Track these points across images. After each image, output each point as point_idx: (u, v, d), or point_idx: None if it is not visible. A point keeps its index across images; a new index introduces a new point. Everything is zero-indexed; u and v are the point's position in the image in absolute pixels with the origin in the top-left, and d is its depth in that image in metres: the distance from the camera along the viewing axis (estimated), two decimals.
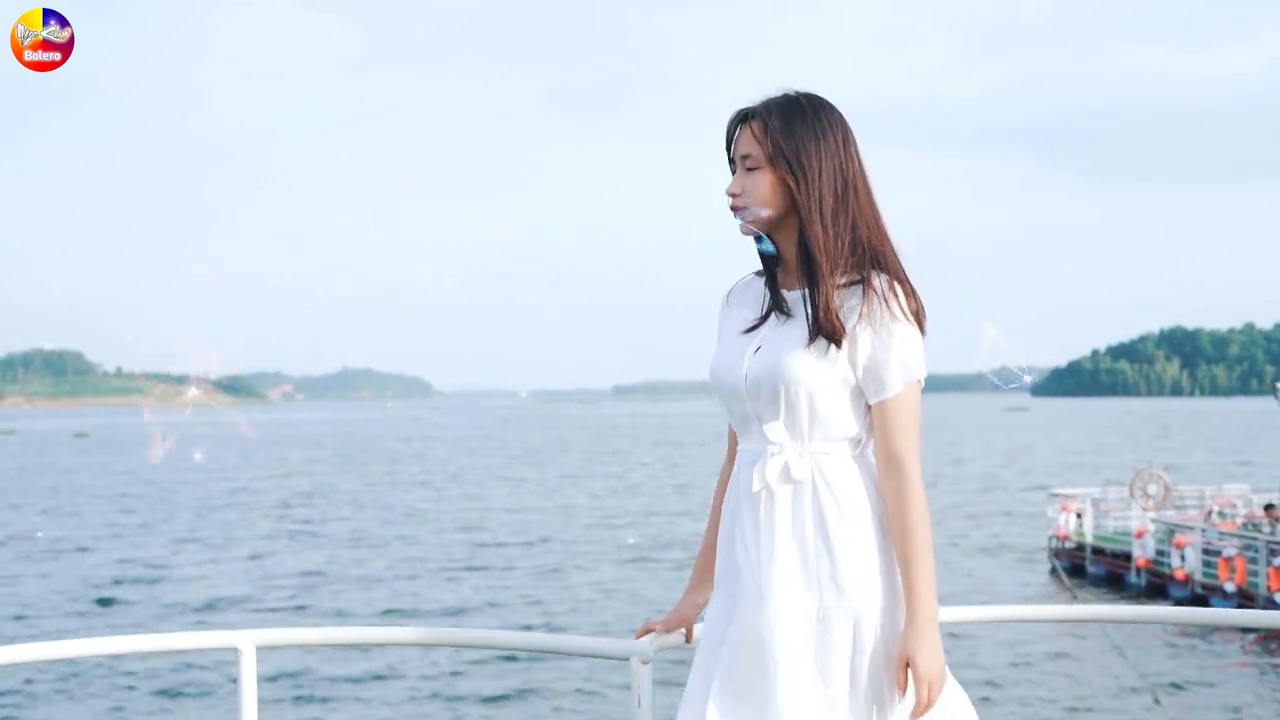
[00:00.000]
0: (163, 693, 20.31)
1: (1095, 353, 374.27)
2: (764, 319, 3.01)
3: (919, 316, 2.92)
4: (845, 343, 2.87)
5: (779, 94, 2.99)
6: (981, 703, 18.91)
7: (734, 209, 2.99)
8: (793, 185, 2.92)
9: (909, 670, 2.82)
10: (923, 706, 2.81)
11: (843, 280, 2.90)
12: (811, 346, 2.88)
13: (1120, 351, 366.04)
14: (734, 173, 3.02)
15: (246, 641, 3.44)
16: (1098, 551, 32.03)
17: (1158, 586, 29.01)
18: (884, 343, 2.87)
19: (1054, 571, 32.15)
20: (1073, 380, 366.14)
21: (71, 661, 21.05)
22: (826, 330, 2.87)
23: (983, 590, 29.33)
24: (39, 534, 42.66)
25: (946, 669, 2.86)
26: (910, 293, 2.91)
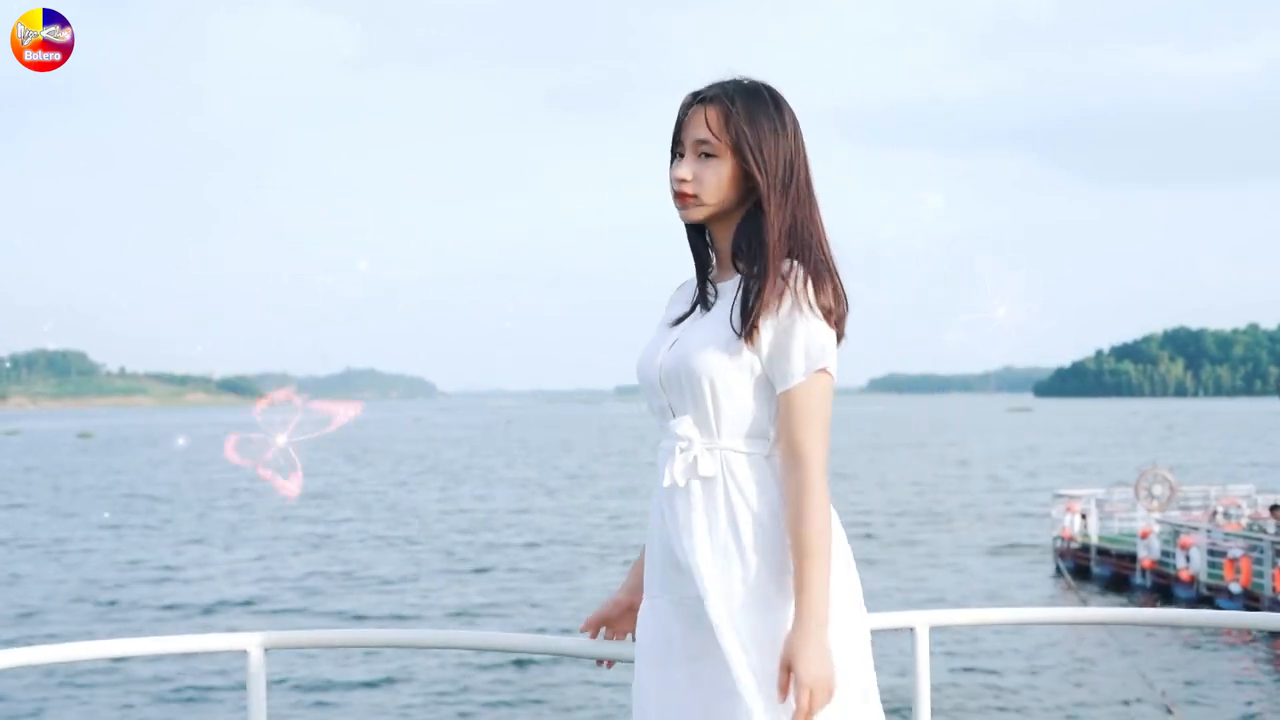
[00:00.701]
0: (172, 695, 20.31)
1: (1099, 353, 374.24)
2: (689, 312, 2.98)
3: (829, 313, 2.83)
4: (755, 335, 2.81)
5: (734, 80, 2.93)
6: (987, 709, 18.93)
7: (681, 195, 2.92)
8: (756, 177, 2.87)
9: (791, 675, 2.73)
10: (803, 715, 2.69)
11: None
12: (725, 340, 2.83)
13: (1124, 352, 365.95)
14: (680, 156, 2.94)
15: (255, 643, 3.43)
16: (1103, 552, 32.00)
17: (1163, 587, 28.98)
18: (786, 331, 2.79)
19: (1059, 572, 32.15)
20: (1076, 381, 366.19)
21: (76, 664, 21.05)
22: (752, 324, 2.81)
23: (987, 592, 29.31)
24: (44, 534, 42.70)
25: (848, 680, 2.78)
26: (824, 288, 2.82)
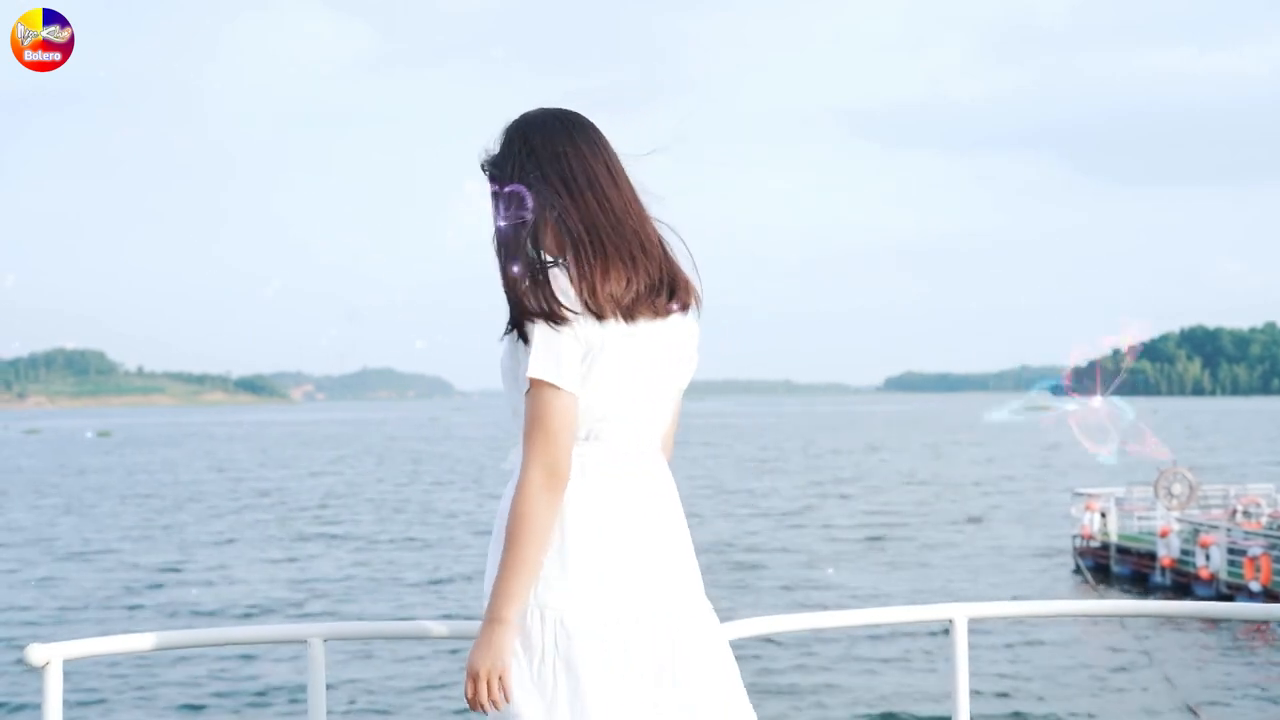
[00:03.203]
0: (230, 689, 20.46)
1: (1116, 352, 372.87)
2: None
3: (552, 315, 2.89)
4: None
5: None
6: (1020, 699, 19.00)
7: None
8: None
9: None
10: (467, 697, 2.86)
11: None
12: (510, 350, 2.98)
13: (1141, 351, 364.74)
14: None
15: (316, 634, 3.52)
16: (1123, 551, 32.00)
17: (1183, 586, 28.98)
18: (512, 338, 2.96)
19: (1078, 570, 32.17)
20: (1093, 380, 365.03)
21: (136, 657, 21.29)
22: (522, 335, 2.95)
23: (1008, 589, 29.33)
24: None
25: (507, 676, 2.85)
26: (545, 287, 2.90)
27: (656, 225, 3.07)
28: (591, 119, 3.10)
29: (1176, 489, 31.42)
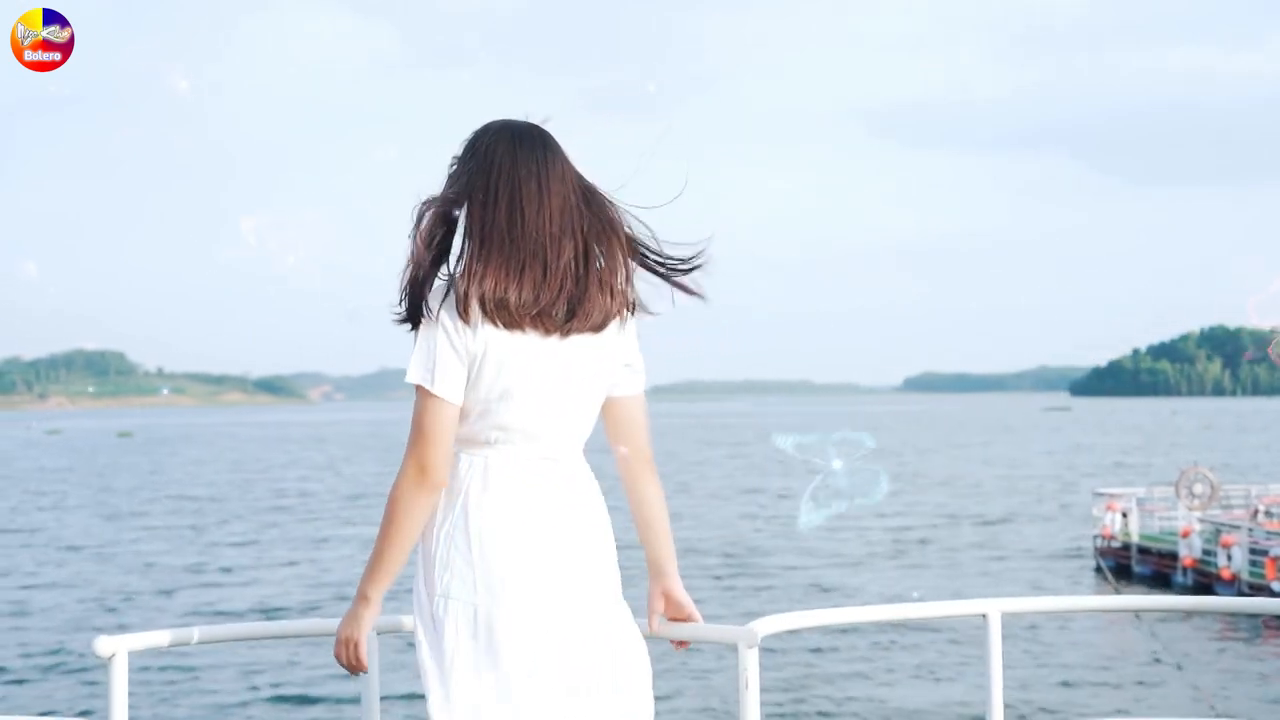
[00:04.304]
0: (288, 683, 20.59)
1: (1136, 352, 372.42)
2: None
3: (421, 312, 3.06)
4: None
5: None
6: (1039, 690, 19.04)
7: None
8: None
9: None
10: (336, 657, 3.19)
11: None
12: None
13: (1161, 351, 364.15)
14: None
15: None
16: (1144, 551, 32.01)
17: (1204, 586, 28.96)
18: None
19: (1099, 570, 32.16)
20: (1113, 380, 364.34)
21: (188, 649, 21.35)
22: None
23: (1030, 589, 29.32)
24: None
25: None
26: (421, 287, 3.06)
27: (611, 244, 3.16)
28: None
29: (1198, 489, 31.43)
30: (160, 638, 3.57)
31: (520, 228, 3.05)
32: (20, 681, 21.29)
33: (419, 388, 3.03)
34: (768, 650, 22.32)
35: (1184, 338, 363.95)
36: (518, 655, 3.05)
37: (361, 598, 3.12)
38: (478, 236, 3.05)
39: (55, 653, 23.32)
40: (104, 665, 3.46)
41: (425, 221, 3.09)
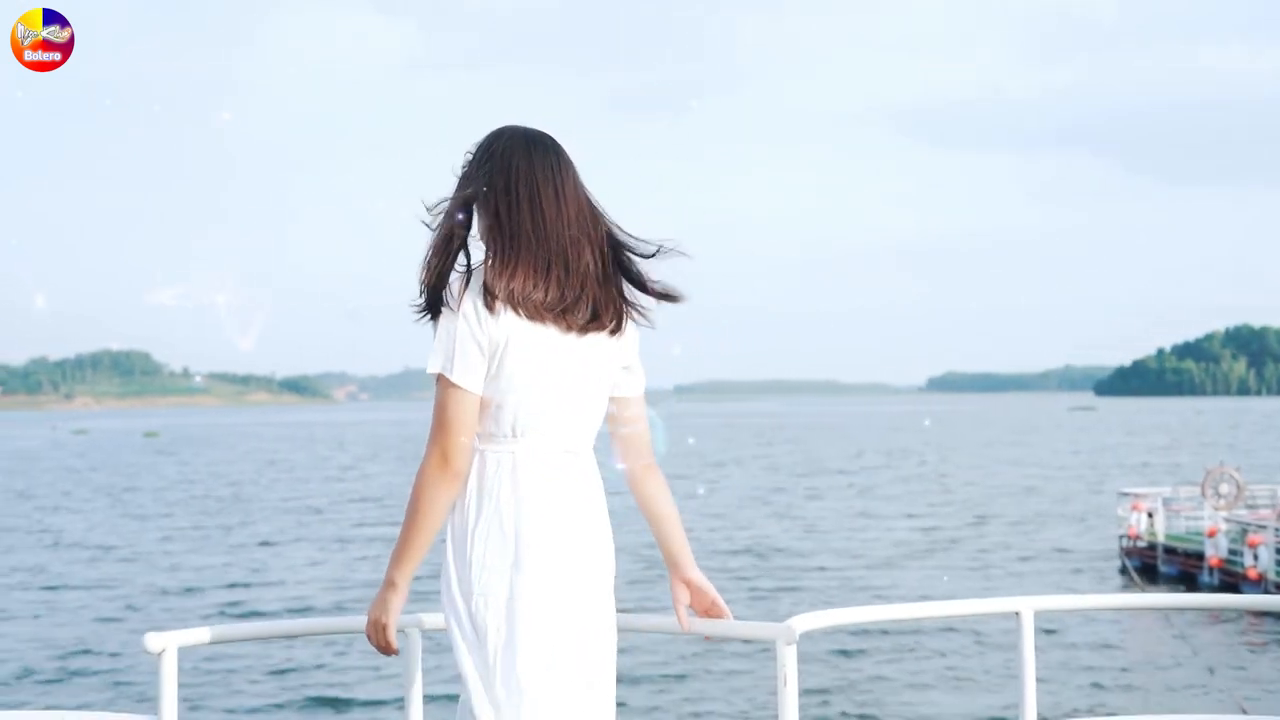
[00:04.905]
0: (328, 676, 20.70)
1: (1160, 352, 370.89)
2: None
3: (445, 302, 3.17)
4: None
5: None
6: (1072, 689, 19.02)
7: None
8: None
9: None
10: (368, 637, 3.29)
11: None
12: None
13: (1186, 350, 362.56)
14: None
15: (413, 625, 3.69)
16: (1170, 551, 31.92)
17: (1231, 586, 28.86)
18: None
19: (1124, 570, 32.07)
20: (1138, 380, 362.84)
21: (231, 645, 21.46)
22: None
23: (1055, 589, 29.29)
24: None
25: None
26: (443, 279, 3.18)
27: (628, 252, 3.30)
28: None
29: (1224, 489, 31.35)
30: (206, 634, 3.65)
31: (543, 229, 3.18)
32: (56, 681, 21.40)
33: (440, 378, 3.13)
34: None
35: (1209, 337, 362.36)
36: (555, 650, 3.13)
37: (389, 584, 3.21)
38: (504, 235, 3.17)
39: (81, 653, 23.38)
40: (153, 660, 3.56)
41: (445, 219, 3.21)
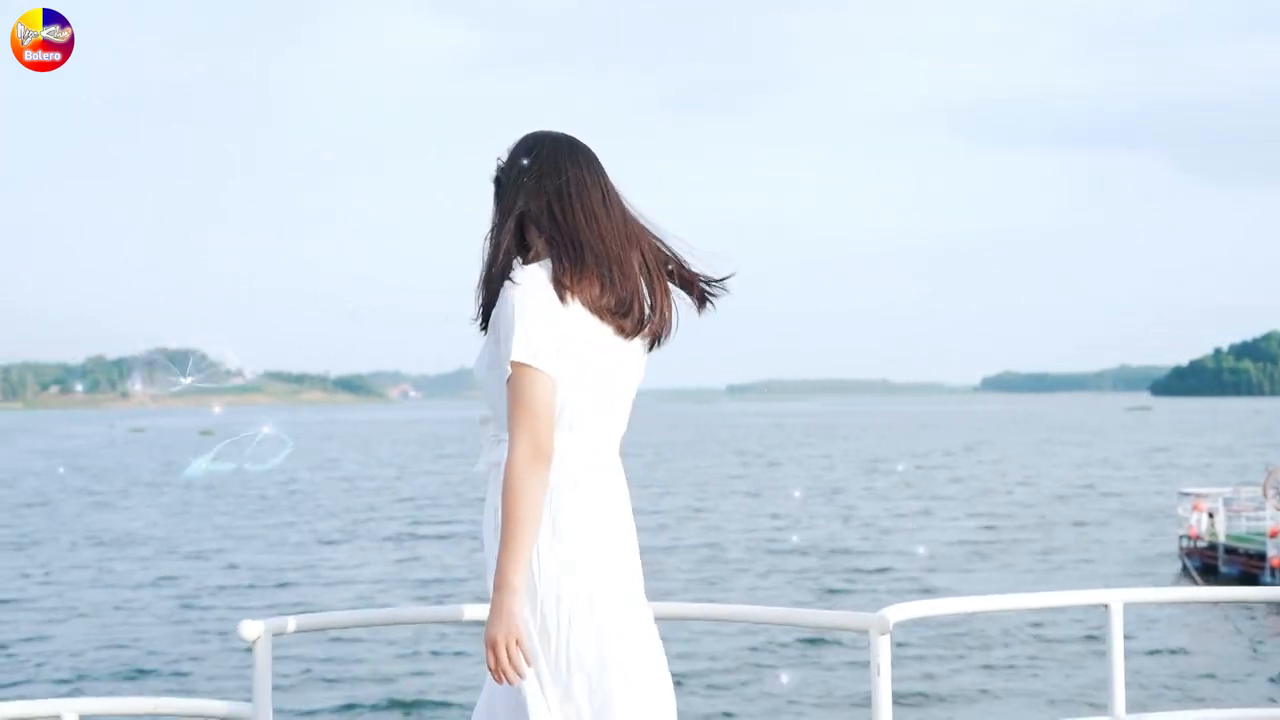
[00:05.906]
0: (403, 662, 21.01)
1: (1217, 351, 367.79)
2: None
3: (534, 306, 3.13)
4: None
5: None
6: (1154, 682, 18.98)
7: None
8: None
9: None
10: (490, 668, 3.04)
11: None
12: (488, 344, 3.24)
13: (1243, 350, 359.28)
14: None
15: (467, 615, 3.71)
16: (1230, 551, 31.70)
17: None
18: (494, 326, 3.18)
19: (1185, 570, 31.91)
20: (1194, 380, 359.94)
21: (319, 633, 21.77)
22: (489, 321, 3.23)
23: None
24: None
25: (523, 641, 3.03)
26: (529, 284, 3.15)
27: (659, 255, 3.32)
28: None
29: None
30: (294, 622, 3.70)
31: (598, 234, 3.21)
32: (139, 673, 21.72)
33: (522, 365, 3.10)
34: (853, 647, 22.42)
35: (1267, 337, 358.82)
36: (626, 646, 3.16)
37: (506, 588, 3.03)
38: (566, 241, 3.19)
39: (152, 652, 23.63)
40: (248, 648, 3.61)
41: (495, 233, 3.25)
